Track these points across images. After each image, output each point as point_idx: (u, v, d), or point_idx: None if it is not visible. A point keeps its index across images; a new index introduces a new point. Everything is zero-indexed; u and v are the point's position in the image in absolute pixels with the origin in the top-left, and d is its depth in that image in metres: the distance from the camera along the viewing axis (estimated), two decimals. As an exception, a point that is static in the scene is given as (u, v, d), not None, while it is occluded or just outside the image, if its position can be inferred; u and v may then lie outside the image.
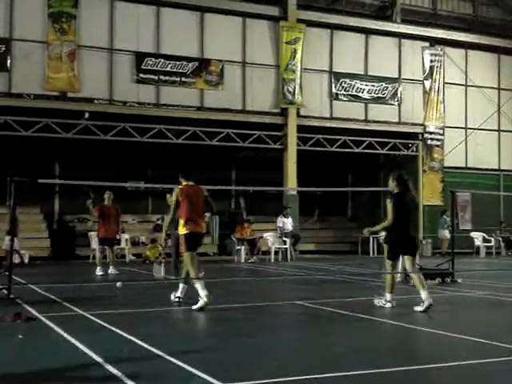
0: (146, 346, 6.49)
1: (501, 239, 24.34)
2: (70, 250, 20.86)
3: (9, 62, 19.32)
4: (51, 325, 7.74)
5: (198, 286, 9.02)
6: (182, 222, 9.35)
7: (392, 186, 9.44)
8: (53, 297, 10.46)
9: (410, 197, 9.47)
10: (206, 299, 8.91)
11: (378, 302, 9.40)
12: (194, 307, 8.94)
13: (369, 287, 12.44)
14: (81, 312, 8.82)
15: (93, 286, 13.11)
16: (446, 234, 22.86)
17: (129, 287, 12.86)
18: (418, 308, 8.89)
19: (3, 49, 19.27)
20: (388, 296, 9.30)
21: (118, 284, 10.86)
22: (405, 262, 9.49)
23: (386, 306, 9.26)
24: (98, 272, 14.97)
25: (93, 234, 20.10)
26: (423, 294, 8.93)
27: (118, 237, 15.97)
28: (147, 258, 18.95)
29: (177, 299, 9.47)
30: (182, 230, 9.31)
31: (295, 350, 6.67)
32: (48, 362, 5.90)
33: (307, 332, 7.88)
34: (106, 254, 15.60)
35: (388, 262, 9.39)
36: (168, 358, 5.95)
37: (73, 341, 6.74)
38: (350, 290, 12.01)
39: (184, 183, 9.74)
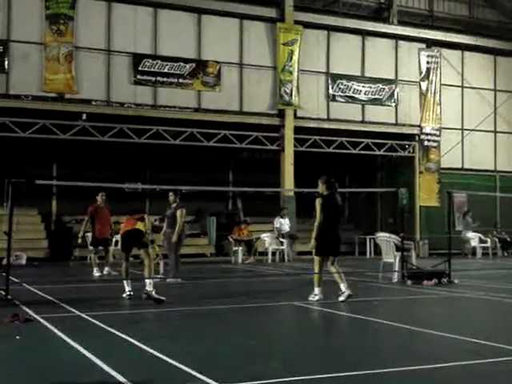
0: (143, 346, 6.52)
1: (497, 240, 24.39)
2: (68, 251, 20.85)
3: (6, 63, 19.33)
4: (49, 326, 7.76)
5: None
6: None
7: (321, 188, 10.34)
8: (51, 298, 10.49)
9: (337, 199, 10.37)
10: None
11: (311, 298, 10.09)
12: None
13: (366, 288, 12.48)
14: (78, 313, 8.85)
15: (90, 286, 13.12)
16: (470, 235, 23.06)
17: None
18: (340, 298, 9.95)
19: (0, 50, 19.26)
20: (316, 290, 10.08)
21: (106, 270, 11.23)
22: (328, 259, 10.23)
23: (315, 299, 10.01)
24: (96, 273, 15.00)
25: (90, 235, 20.11)
26: (343, 287, 10.03)
27: (110, 237, 15.97)
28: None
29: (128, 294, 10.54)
30: None
31: (294, 350, 6.70)
32: (45, 363, 5.92)
33: (306, 333, 7.91)
34: (95, 257, 15.58)
35: (317, 258, 10.21)
36: (166, 358, 5.98)
37: (70, 342, 6.77)
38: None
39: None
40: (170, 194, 14.14)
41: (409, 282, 12.97)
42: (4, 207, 17.45)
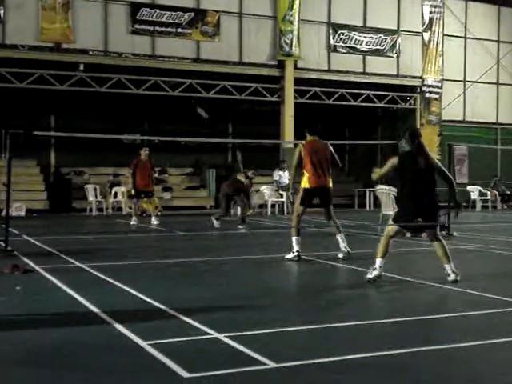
0: (143, 297, 6.54)
1: (497, 193, 24.38)
2: (67, 202, 20.86)
3: (2, 12, 18.97)
4: (49, 276, 7.78)
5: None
6: None
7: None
8: (50, 249, 10.49)
9: (420, 160, 7.67)
10: None
11: (369, 275, 7.65)
12: None
13: (365, 240, 12.51)
14: (78, 264, 8.86)
15: (90, 238, 13.13)
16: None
17: (127, 239, 12.94)
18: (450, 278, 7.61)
19: (-5, -2, 18.92)
20: (377, 261, 7.65)
21: None
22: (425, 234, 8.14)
23: (372, 275, 7.60)
24: (133, 222, 15.93)
25: (89, 187, 20.13)
26: (448, 268, 7.69)
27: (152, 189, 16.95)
28: (144, 211, 18.94)
29: None
30: None
31: (294, 299, 6.73)
32: (45, 313, 5.94)
33: (306, 284, 7.93)
34: (135, 206, 16.58)
35: (390, 226, 7.87)
36: (163, 307, 6.00)
37: (70, 292, 6.79)
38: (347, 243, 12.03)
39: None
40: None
41: (408, 235, 12.96)
42: (2, 158, 17.40)
